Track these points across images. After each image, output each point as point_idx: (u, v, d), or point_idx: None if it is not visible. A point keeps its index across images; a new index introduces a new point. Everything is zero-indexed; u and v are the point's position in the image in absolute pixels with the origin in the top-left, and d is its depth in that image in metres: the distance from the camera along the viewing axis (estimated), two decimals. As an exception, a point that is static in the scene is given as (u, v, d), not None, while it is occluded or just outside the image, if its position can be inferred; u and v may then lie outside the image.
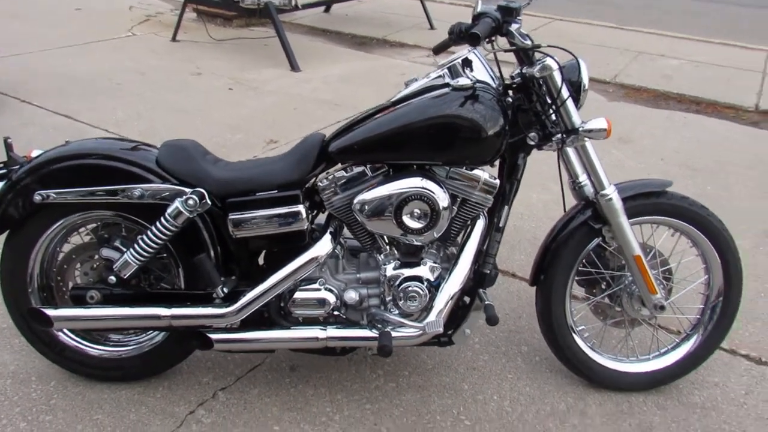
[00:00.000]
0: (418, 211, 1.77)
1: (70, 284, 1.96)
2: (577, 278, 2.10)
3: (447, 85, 1.78)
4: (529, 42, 1.73)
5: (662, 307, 1.99)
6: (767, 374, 2.24)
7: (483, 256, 1.94)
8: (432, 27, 6.85)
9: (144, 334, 2.03)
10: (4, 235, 1.90)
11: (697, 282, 2.13)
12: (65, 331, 1.99)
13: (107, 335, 2.03)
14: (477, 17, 1.66)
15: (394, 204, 1.76)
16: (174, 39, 5.91)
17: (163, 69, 5.14)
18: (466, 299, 1.96)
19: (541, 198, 3.39)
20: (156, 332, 2.00)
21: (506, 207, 1.93)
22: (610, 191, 1.89)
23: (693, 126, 4.59)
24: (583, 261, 2.05)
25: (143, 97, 4.52)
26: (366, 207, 1.78)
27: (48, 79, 4.70)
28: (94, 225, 1.97)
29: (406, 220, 1.78)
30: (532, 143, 1.86)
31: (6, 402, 1.97)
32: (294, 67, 5.28)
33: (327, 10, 7.25)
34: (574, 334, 2.08)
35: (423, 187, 1.76)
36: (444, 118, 1.73)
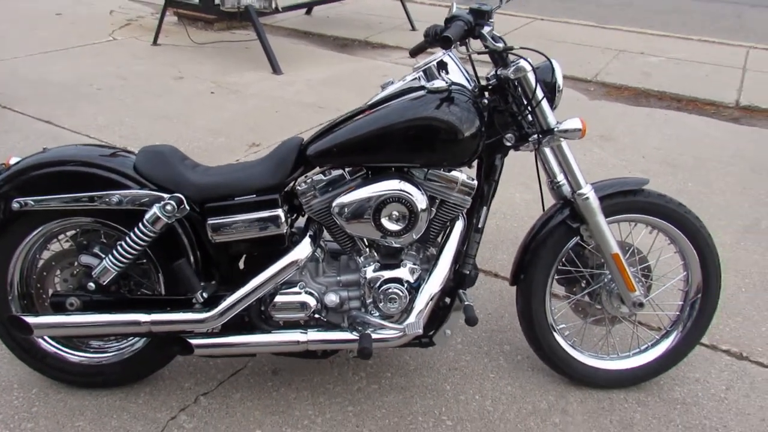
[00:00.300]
0: (397, 214, 1.78)
1: (50, 291, 1.94)
2: (557, 277, 2.12)
3: (423, 87, 1.79)
4: (500, 44, 1.74)
5: (641, 305, 2.01)
6: (748, 369, 2.27)
7: (462, 256, 1.95)
8: (413, 28, 6.87)
9: (125, 341, 2.02)
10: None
11: (676, 279, 2.16)
12: (46, 338, 1.97)
13: (88, 342, 2.02)
14: (449, 20, 1.67)
15: (372, 206, 1.77)
16: (155, 43, 5.88)
17: (144, 73, 5.11)
18: (447, 300, 1.98)
19: (524, 198, 3.42)
20: (137, 338, 1.99)
21: (485, 208, 1.94)
22: (587, 190, 1.91)
23: (673, 123, 4.64)
24: (563, 260, 2.08)
25: (124, 102, 4.49)
26: (344, 210, 1.79)
27: (29, 85, 4.66)
28: (74, 232, 1.96)
29: (385, 222, 1.78)
30: (508, 144, 1.87)
31: (-14, 411, 1.96)
32: (276, 69, 5.28)
33: (308, 12, 7.25)
34: (554, 333, 2.10)
35: (401, 190, 1.77)
36: (420, 121, 1.74)
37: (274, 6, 5.45)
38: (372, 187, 1.79)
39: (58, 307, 1.85)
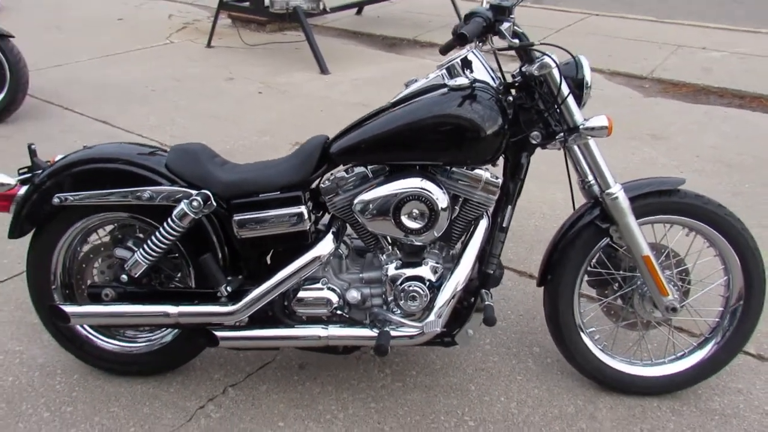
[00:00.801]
0: (417, 212, 1.78)
1: (89, 282, 2.04)
2: (588, 279, 2.07)
3: (445, 85, 1.78)
4: (516, 41, 1.70)
5: (674, 309, 1.93)
6: (795, 381, 2.15)
7: (487, 256, 1.93)
8: (465, 26, 6.80)
9: (157, 332, 2.10)
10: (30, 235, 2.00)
11: (715, 284, 2.06)
12: (85, 327, 2.07)
13: (123, 332, 2.11)
14: (468, 17, 1.65)
15: (392, 204, 1.77)
16: (209, 45, 6.06)
17: (197, 75, 5.28)
18: (471, 300, 1.95)
19: (566, 197, 3.31)
20: (167, 331, 2.07)
21: (509, 207, 1.91)
22: (616, 190, 1.85)
23: (734, 121, 4.42)
24: (593, 261, 2.02)
25: (177, 103, 4.65)
26: (366, 207, 1.80)
27: (88, 87, 4.90)
28: (112, 226, 2.05)
29: (405, 220, 1.79)
30: (534, 142, 1.83)
31: (33, 393, 2.07)
32: (323, 69, 5.34)
33: (359, 12, 7.30)
34: (583, 335, 2.04)
35: (421, 188, 1.76)
36: (441, 118, 1.73)
37: (322, 7, 5.52)
38: (393, 184, 1.79)
39: (95, 298, 1.94)
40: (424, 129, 1.75)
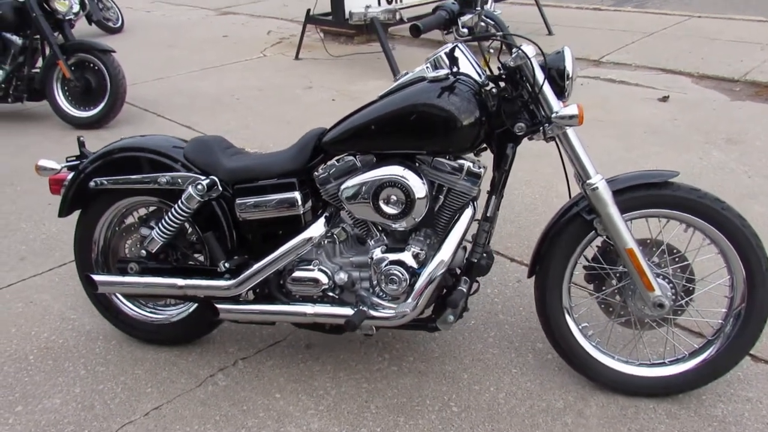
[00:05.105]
0: (394, 198, 1.87)
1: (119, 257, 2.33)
2: (585, 274, 2.05)
3: (425, 78, 1.86)
4: (465, 31, 1.74)
5: (661, 306, 1.86)
6: (820, 394, 1.98)
7: (472, 245, 1.98)
8: (550, 32, 6.69)
9: (176, 306, 2.34)
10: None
11: (717, 283, 1.96)
12: (119, 297, 2.35)
13: (148, 303, 2.37)
14: (434, 10, 1.73)
15: (371, 190, 1.88)
16: (297, 57, 6.44)
17: (279, 85, 5.65)
18: (464, 288, 2.00)
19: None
20: (186, 305, 2.30)
21: (494, 197, 1.95)
22: (596, 180, 1.83)
23: (826, 126, 4.05)
24: (587, 256, 2.00)
25: (255, 109, 5.02)
26: (349, 193, 1.92)
27: (183, 97, 5.40)
28: (146, 210, 2.32)
29: (382, 205, 1.88)
30: (519, 133, 1.86)
31: (76, 353, 2.38)
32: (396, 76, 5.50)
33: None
34: (571, 329, 2.01)
35: (399, 175, 1.85)
36: (417, 108, 1.82)
37: (398, 17, 5.68)
38: (374, 172, 1.89)
39: (123, 271, 2.21)
40: (402, 119, 1.85)
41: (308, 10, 6.40)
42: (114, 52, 4.60)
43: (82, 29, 7.52)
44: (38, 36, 4.69)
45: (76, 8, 4.77)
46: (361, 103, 2.00)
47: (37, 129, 4.81)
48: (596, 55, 5.86)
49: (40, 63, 4.80)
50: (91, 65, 4.63)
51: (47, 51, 4.71)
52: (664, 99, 4.70)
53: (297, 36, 6.64)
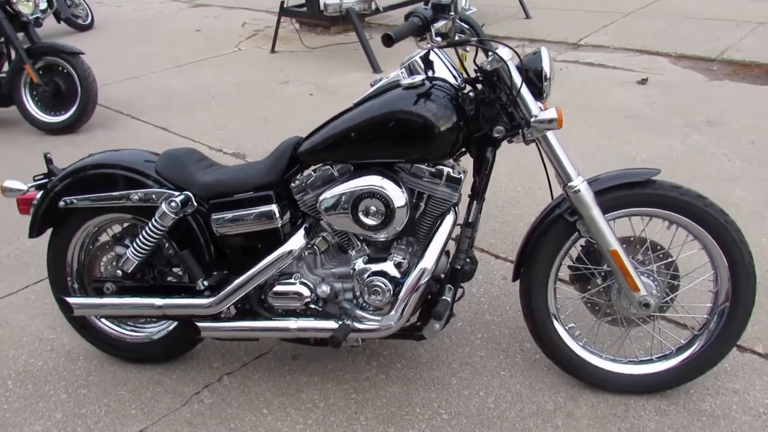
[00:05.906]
0: (374, 209, 1.83)
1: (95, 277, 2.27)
2: (570, 274, 2.03)
3: (399, 84, 1.81)
4: (439, 39, 1.68)
5: (647, 305, 1.85)
6: (806, 383, 1.99)
7: (455, 251, 1.95)
8: (528, 16, 6.64)
9: (155, 324, 2.29)
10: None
11: (702, 278, 1.95)
12: (96, 317, 2.30)
13: (126, 322, 2.31)
14: (406, 17, 1.68)
15: (350, 201, 1.83)
16: (273, 51, 6.33)
17: (255, 80, 5.55)
18: (448, 297, 1.97)
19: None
20: (166, 323, 2.25)
21: (475, 202, 1.91)
22: (577, 183, 1.80)
23: (805, 103, 4.06)
24: (572, 256, 1.98)
25: (231, 107, 4.93)
26: (327, 205, 1.87)
27: (157, 96, 5.29)
28: (120, 227, 2.26)
29: (362, 217, 1.84)
30: (497, 136, 1.83)
31: (56, 376, 2.32)
32: (375, 68, 5.44)
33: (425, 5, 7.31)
34: (559, 330, 2.00)
35: (377, 186, 1.81)
36: (392, 115, 1.77)
37: (374, 7, 5.61)
38: (351, 182, 1.85)
39: (99, 291, 2.16)
40: (376, 127, 1.80)
41: (282, 2, 6.29)
42: (83, 54, 4.48)
43: (51, 28, 7.35)
44: (2, 39, 4.55)
45: (43, 5, 4.62)
46: (339, 97, 1.95)
47: (6, 136, 4.69)
48: (575, 38, 5.82)
49: (6, 67, 4.67)
50: (60, 68, 4.51)
51: (13, 55, 4.58)
52: (643, 81, 4.69)
53: (272, 28, 6.51)
